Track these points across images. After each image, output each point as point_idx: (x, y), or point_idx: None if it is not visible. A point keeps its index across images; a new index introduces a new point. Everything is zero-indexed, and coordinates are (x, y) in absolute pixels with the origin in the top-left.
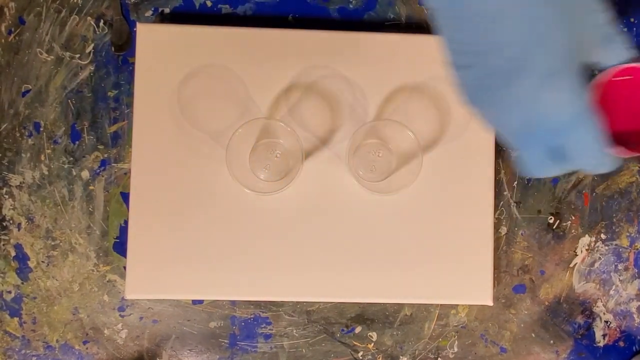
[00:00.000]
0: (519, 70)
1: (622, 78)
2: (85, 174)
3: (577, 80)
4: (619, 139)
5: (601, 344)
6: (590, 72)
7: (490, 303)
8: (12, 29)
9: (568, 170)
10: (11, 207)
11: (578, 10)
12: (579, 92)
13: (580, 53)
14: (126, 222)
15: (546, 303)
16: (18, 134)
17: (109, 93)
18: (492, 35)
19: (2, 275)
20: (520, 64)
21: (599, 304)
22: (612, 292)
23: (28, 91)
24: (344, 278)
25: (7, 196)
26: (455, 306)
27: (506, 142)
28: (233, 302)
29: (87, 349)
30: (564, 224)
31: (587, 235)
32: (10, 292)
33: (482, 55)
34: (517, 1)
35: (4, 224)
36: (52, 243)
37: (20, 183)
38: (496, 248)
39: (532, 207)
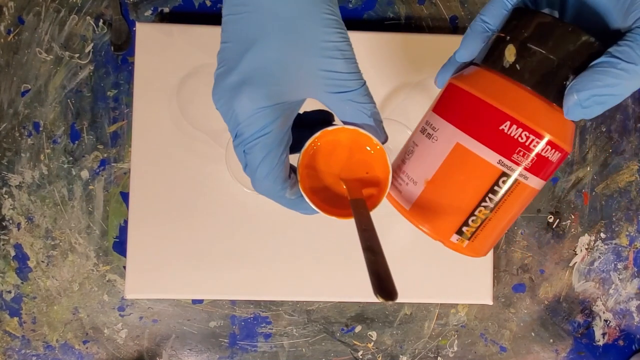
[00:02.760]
0: (234, 62)
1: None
2: (85, 174)
3: (272, 103)
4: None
5: (601, 343)
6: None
7: (490, 302)
8: (12, 29)
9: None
10: (11, 207)
11: (315, 49)
12: (268, 116)
13: (294, 84)
14: (126, 222)
15: (546, 302)
16: (17, 134)
17: (109, 93)
18: (233, 27)
19: (1, 275)
20: (236, 58)
21: (599, 303)
22: (611, 291)
23: (27, 91)
24: (343, 277)
25: (6, 196)
26: (455, 305)
27: None
28: (233, 302)
29: (87, 348)
30: (564, 223)
31: (586, 235)
32: (10, 291)
33: (224, 43)
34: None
35: (4, 223)
36: (52, 243)
37: (20, 183)
38: (496, 247)
39: (532, 206)
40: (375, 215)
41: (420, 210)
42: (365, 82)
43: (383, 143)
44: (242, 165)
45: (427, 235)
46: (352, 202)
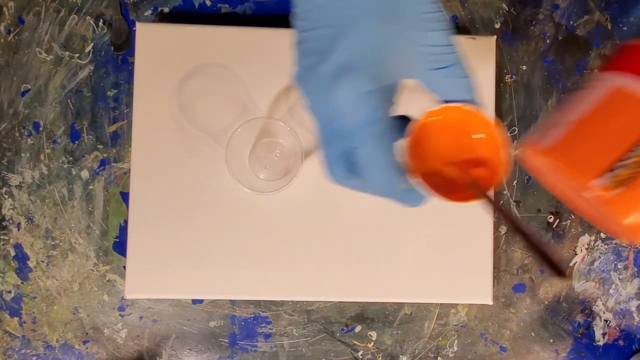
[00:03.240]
0: (326, 53)
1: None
2: (85, 174)
3: (374, 87)
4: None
5: (601, 343)
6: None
7: (490, 302)
8: (12, 29)
9: (365, 188)
10: (11, 207)
11: (413, 22)
12: (371, 101)
13: (394, 65)
14: (126, 222)
15: (546, 302)
16: (17, 134)
17: (109, 92)
18: (322, 12)
19: (1, 275)
20: (328, 48)
21: (599, 302)
22: (611, 291)
23: (27, 91)
24: (343, 277)
25: (6, 196)
26: (455, 305)
27: (316, 136)
28: (233, 302)
29: (87, 348)
30: (564, 223)
31: (586, 234)
32: (10, 291)
33: (310, 30)
34: None
35: (4, 223)
36: (52, 243)
37: (20, 183)
38: (496, 247)
39: (532, 206)
40: (375, 214)
41: (560, 150)
42: (461, 54)
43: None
44: (331, 169)
45: (565, 178)
46: (473, 184)
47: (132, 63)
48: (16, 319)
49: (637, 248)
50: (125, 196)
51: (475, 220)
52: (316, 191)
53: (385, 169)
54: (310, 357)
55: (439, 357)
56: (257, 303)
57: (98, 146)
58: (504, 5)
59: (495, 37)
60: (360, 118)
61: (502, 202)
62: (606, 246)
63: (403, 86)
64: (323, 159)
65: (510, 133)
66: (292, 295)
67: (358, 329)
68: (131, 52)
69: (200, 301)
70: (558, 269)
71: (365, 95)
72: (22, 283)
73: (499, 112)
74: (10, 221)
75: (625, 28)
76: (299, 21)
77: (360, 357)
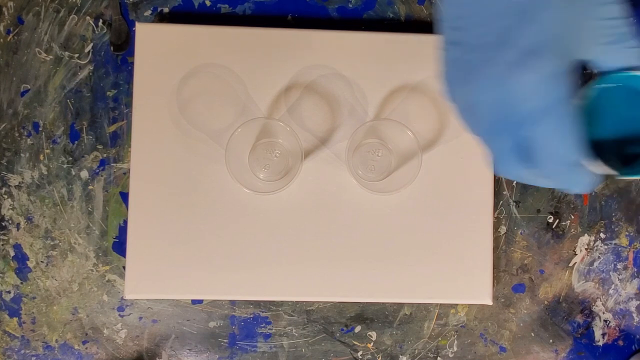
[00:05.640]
0: (501, 44)
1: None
2: (85, 174)
3: (562, 69)
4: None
5: (600, 343)
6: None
7: (490, 302)
8: (11, 29)
9: (536, 180)
10: (10, 207)
11: None
12: (559, 82)
13: (575, 43)
14: (125, 222)
15: (545, 302)
16: (17, 134)
17: (108, 93)
18: (484, 5)
19: (1, 275)
20: (504, 38)
21: (598, 303)
22: (611, 291)
23: (27, 91)
24: (343, 277)
25: (6, 196)
26: (454, 305)
27: (474, 133)
28: (232, 302)
29: (86, 348)
30: (563, 223)
31: (586, 235)
32: (9, 292)
33: (471, 29)
34: None
35: (3, 223)
36: (52, 243)
37: (19, 183)
38: (495, 247)
39: (532, 206)
40: (375, 214)
41: None
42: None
43: None
44: (503, 162)
45: None
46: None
47: (132, 63)
48: (15, 319)
49: (636, 248)
50: (124, 196)
51: (475, 220)
52: (316, 191)
53: (568, 154)
54: (310, 357)
55: (438, 358)
56: (256, 303)
57: (97, 146)
58: None
59: None
60: (547, 102)
61: (501, 202)
62: (606, 246)
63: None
64: (492, 154)
65: None
66: (292, 296)
67: (358, 329)
68: (131, 52)
69: (200, 301)
70: None
71: (553, 77)
72: (22, 283)
73: None
74: (10, 221)
75: None
76: (454, 19)
77: (360, 357)
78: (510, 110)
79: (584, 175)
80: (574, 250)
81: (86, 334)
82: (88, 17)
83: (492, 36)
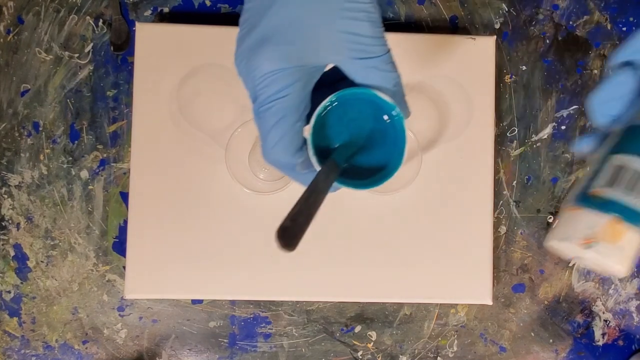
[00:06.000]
0: (254, 25)
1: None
2: (85, 174)
3: (294, 67)
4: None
5: (600, 343)
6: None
7: (490, 302)
8: (11, 29)
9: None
10: (10, 207)
11: (336, 9)
12: (287, 79)
13: (315, 47)
14: (125, 222)
15: (545, 302)
16: (17, 134)
17: (108, 92)
18: None
19: (1, 275)
20: (257, 19)
21: (598, 303)
22: (611, 291)
23: (27, 91)
24: (343, 277)
25: (6, 196)
26: (454, 305)
27: None
28: (232, 302)
29: (86, 348)
30: None
31: None
32: (9, 291)
33: (249, 2)
34: None
35: (3, 223)
36: (52, 243)
37: (20, 183)
38: (495, 247)
39: (532, 206)
40: (375, 214)
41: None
42: (390, 50)
43: (406, 117)
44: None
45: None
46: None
47: (132, 63)
48: (15, 319)
49: None
50: (124, 196)
51: (475, 220)
52: None
53: (280, 146)
54: (310, 357)
55: (438, 357)
56: (256, 303)
57: (98, 146)
58: (503, 5)
59: (495, 37)
60: (271, 92)
61: (500, 203)
62: None
63: (324, 69)
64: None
65: (509, 133)
66: (292, 295)
67: (358, 329)
68: (131, 52)
69: (200, 301)
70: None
71: (278, 71)
72: (22, 283)
73: (499, 112)
74: (10, 221)
75: (624, 28)
76: None
77: (360, 357)
78: (252, 89)
79: (306, 177)
80: None
81: (86, 334)
82: (88, 17)
83: (254, 14)
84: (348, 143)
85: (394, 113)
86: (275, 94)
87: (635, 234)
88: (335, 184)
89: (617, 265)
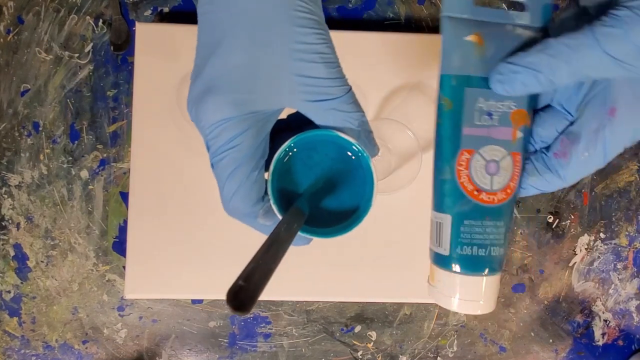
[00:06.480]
0: (199, 70)
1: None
2: (85, 174)
3: (242, 115)
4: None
5: (600, 343)
6: None
7: None
8: (11, 29)
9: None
10: (10, 207)
11: (285, 51)
12: (236, 129)
13: (269, 93)
14: (125, 222)
15: (545, 302)
16: (17, 134)
17: (108, 92)
18: (203, 22)
19: (1, 274)
20: (202, 64)
21: (598, 303)
22: (611, 291)
23: (27, 91)
24: (343, 277)
25: (6, 196)
26: None
27: None
28: None
29: (86, 348)
30: (563, 223)
31: (586, 235)
32: (9, 291)
33: (198, 42)
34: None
35: (3, 223)
36: (52, 243)
37: (20, 183)
38: None
39: (532, 206)
40: (375, 214)
41: None
42: (350, 89)
43: (373, 156)
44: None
45: None
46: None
47: (132, 63)
48: (15, 319)
49: (636, 248)
50: (124, 196)
51: None
52: None
53: (238, 198)
54: (309, 357)
55: (438, 357)
56: (256, 303)
57: (97, 146)
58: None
59: None
60: (221, 142)
61: None
62: (605, 246)
63: (280, 112)
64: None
65: None
66: (292, 295)
67: (358, 329)
68: (131, 52)
69: (200, 301)
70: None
71: (226, 121)
72: (22, 283)
73: None
74: (10, 221)
75: None
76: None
77: (360, 357)
78: (204, 138)
79: (271, 228)
80: (573, 250)
81: (86, 334)
82: (88, 17)
83: (200, 58)
84: (314, 187)
85: (357, 151)
86: (225, 144)
87: (442, 273)
88: (302, 235)
89: (435, 300)
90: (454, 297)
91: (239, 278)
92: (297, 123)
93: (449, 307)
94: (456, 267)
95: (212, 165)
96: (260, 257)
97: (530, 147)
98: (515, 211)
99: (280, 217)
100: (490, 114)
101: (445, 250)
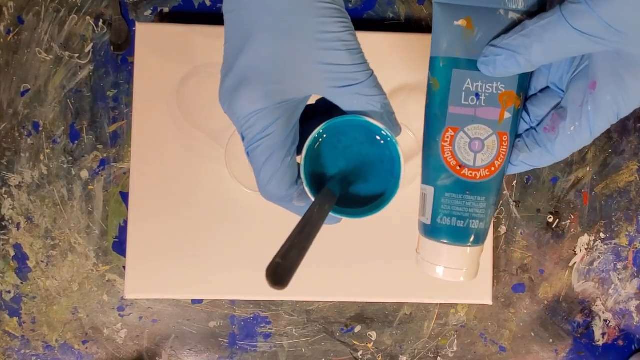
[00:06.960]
0: (230, 66)
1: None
2: (85, 174)
3: (274, 105)
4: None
5: (600, 343)
6: None
7: (490, 302)
8: (11, 29)
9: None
10: (10, 207)
11: (309, 40)
12: (269, 118)
13: (297, 83)
14: (125, 222)
15: (545, 302)
16: (17, 134)
17: (108, 93)
18: (230, 25)
19: (1, 275)
20: (232, 61)
21: (598, 303)
22: (611, 291)
23: (27, 91)
24: (343, 277)
25: (6, 196)
26: (454, 305)
27: None
28: (232, 302)
29: (86, 348)
30: (563, 223)
31: (586, 235)
32: (9, 292)
33: (226, 44)
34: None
35: (3, 223)
36: (52, 243)
37: (20, 183)
38: (495, 247)
39: (532, 206)
40: (375, 215)
41: None
42: (373, 73)
43: (396, 135)
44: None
45: None
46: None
47: (132, 63)
48: (16, 319)
49: (636, 248)
50: (125, 196)
51: None
52: None
53: (274, 183)
54: (310, 357)
55: (438, 357)
56: (256, 303)
57: (98, 146)
58: None
59: None
60: (256, 132)
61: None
62: (606, 246)
63: (308, 99)
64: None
65: None
66: (292, 295)
67: (358, 329)
68: (131, 52)
69: (200, 301)
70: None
71: (259, 111)
72: (22, 283)
73: None
74: (10, 221)
75: None
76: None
77: (360, 357)
78: (239, 129)
79: (305, 209)
80: (573, 250)
81: (86, 334)
82: (88, 17)
83: (230, 56)
84: (344, 170)
85: (385, 136)
86: (259, 133)
87: (425, 241)
88: (333, 215)
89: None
90: (438, 266)
91: (276, 256)
92: (325, 108)
93: (432, 273)
94: (438, 236)
95: (247, 153)
96: (295, 236)
97: (526, 126)
98: (516, 211)
99: (312, 199)
100: (477, 95)
101: (427, 219)
